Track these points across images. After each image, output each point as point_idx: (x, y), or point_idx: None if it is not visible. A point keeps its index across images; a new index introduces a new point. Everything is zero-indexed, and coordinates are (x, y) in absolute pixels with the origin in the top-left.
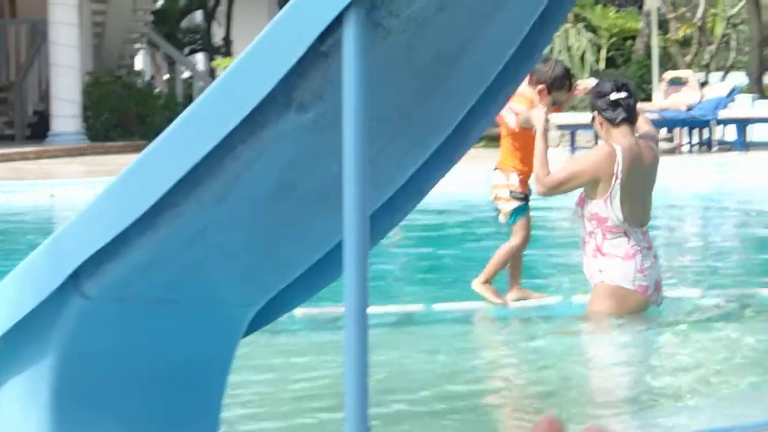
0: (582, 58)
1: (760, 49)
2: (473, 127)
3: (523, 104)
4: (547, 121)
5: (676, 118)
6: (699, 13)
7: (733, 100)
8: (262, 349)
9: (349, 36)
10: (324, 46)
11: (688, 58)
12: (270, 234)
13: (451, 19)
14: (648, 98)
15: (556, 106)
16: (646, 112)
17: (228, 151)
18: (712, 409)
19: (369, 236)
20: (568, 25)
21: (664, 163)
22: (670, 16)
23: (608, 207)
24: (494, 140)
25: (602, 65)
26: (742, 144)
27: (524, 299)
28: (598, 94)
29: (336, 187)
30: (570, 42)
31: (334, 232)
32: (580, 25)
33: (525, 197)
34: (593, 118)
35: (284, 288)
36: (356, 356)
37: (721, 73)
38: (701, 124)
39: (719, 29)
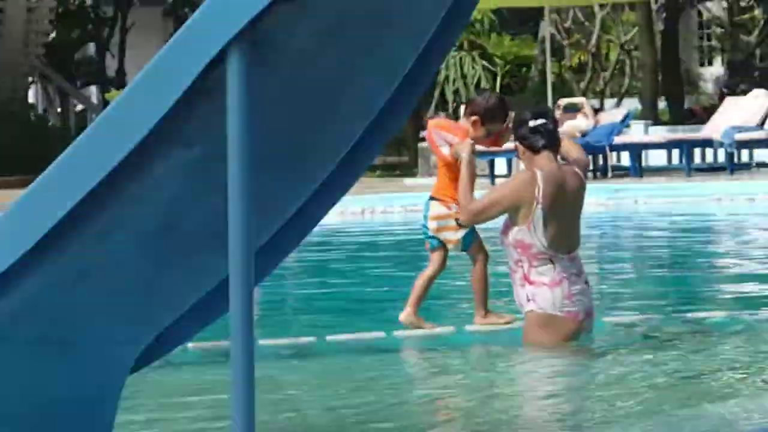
0: (477, 85)
1: (653, 75)
2: (360, 158)
3: (458, 136)
4: (473, 151)
5: None
6: (593, 40)
7: (627, 126)
8: (152, 384)
9: (232, 71)
10: (208, 81)
11: (582, 85)
12: (156, 271)
13: (333, 54)
14: None
15: (491, 138)
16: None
17: (113, 188)
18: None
19: (254, 271)
20: (463, 53)
21: None
22: (565, 43)
23: (532, 233)
24: (389, 168)
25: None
26: (637, 170)
27: (492, 323)
28: (517, 123)
29: (224, 223)
30: (465, 70)
31: (222, 267)
32: (476, 52)
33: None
34: (516, 147)
35: (173, 323)
36: (243, 390)
37: (615, 100)
38: (596, 150)
39: (614, 55)
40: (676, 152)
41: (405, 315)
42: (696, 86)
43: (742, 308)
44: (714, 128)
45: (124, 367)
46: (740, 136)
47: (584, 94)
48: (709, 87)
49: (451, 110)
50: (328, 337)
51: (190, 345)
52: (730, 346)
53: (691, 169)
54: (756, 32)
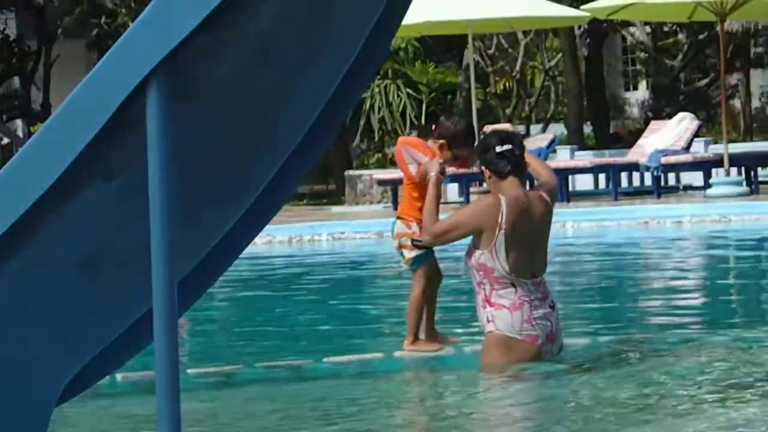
0: (403, 113)
1: (579, 101)
2: (284, 186)
3: (427, 155)
4: (441, 172)
5: None
6: (518, 66)
7: (553, 152)
8: (80, 415)
9: (152, 103)
10: (129, 113)
11: (508, 111)
12: (82, 301)
13: (257, 82)
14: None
15: (459, 162)
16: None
17: (37, 219)
18: None
19: (176, 301)
20: (388, 81)
21: None
22: (489, 69)
23: (494, 258)
24: (317, 197)
25: (423, 120)
26: (563, 194)
27: (420, 349)
28: (483, 148)
29: (147, 255)
30: (391, 98)
31: (148, 296)
32: (400, 81)
33: (427, 245)
34: (482, 171)
35: (100, 353)
36: (168, 420)
37: (541, 125)
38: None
39: (538, 81)
40: (602, 176)
41: (406, 344)
42: (621, 110)
43: (677, 328)
44: (640, 152)
45: (51, 397)
46: (666, 160)
47: (510, 121)
48: (634, 111)
49: (376, 138)
50: (257, 364)
51: (118, 376)
52: (669, 363)
53: (617, 193)
54: (680, 56)
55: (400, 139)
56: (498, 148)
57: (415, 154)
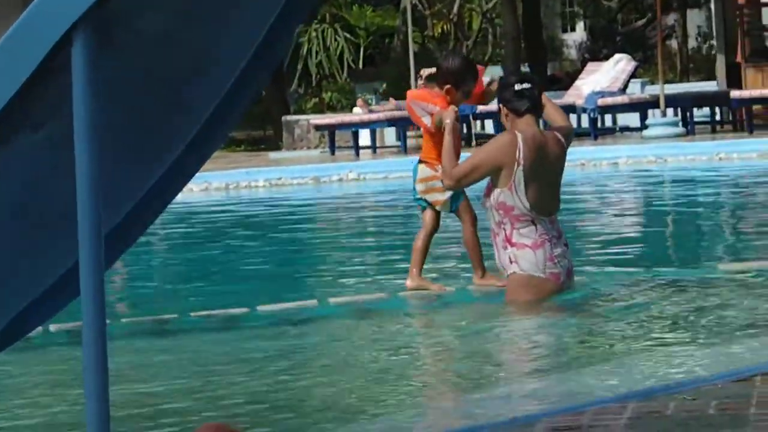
0: (341, 57)
1: (516, 43)
2: (210, 137)
3: (438, 104)
4: (456, 118)
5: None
6: (455, 9)
7: None
8: (15, 365)
9: (78, 53)
10: (55, 63)
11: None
12: (11, 253)
13: (184, 34)
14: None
15: (473, 98)
16: (404, 108)
17: None
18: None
19: (103, 253)
20: (325, 26)
21: None
22: (427, 13)
23: (514, 195)
24: (254, 143)
25: (361, 64)
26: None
27: (488, 284)
28: (502, 85)
29: (74, 207)
30: (328, 42)
31: (75, 249)
32: (338, 25)
33: None
34: (499, 109)
35: (30, 305)
36: (95, 373)
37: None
38: (460, 118)
39: (476, 24)
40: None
41: (410, 280)
42: (559, 52)
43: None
44: (577, 94)
45: None
46: (603, 101)
47: None
48: (572, 53)
49: (314, 83)
50: (192, 314)
51: (52, 326)
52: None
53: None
54: None
55: (409, 93)
56: (517, 87)
57: (426, 106)
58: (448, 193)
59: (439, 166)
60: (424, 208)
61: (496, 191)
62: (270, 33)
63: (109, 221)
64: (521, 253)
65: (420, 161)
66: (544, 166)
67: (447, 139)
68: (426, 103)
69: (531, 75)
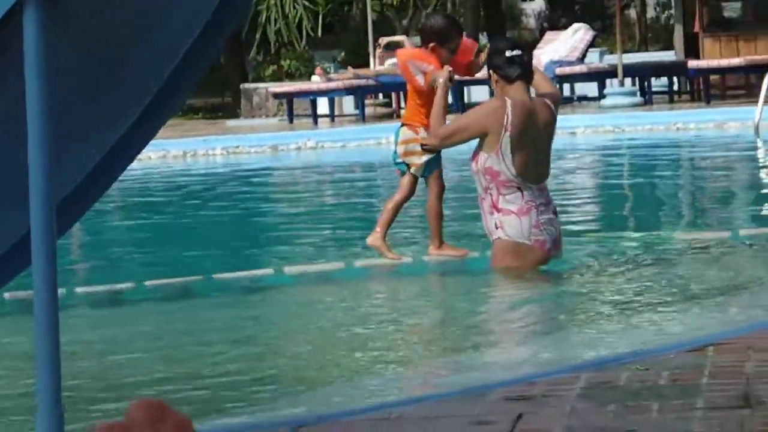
0: (299, 25)
1: (475, 11)
2: (161, 108)
3: (432, 64)
4: (450, 79)
5: (394, 82)
6: None
7: None
8: None
9: (29, 23)
10: (3, 33)
11: (405, 23)
12: None
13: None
14: (365, 64)
15: (463, 69)
16: (362, 77)
17: None
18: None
19: (55, 225)
20: None
21: (385, 128)
22: None
23: (500, 161)
24: (212, 110)
25: (320, 32)
26: (460, 105)
27: (445, 254)
28: (494, 51)
29: (25, 178)
30: (287, 10)
31: (25, 221)
32: None
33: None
34: (489, 75)
35: None
36: (47, 344)
37: None
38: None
39: None
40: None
41: (372, 238)
42: (518, 21)
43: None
44: (535, 62)
45: None
46: (561, 70)
47: (406, 32)
48: (530, 22)
49: (272, 51)
50: (147, 282)
51: (6, 295)
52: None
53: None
54: None
55: (404, 52)
56: (508, 53)
57: (420, 65)
58: (425, 158)
59: (421, 129)
60: (403, 173)
61: (483, 156)
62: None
63: (58, 194)
64: (507, 220)
65: (403, 124)
66: (534, 133)
67: (438, 97)
68: (421, 62)
69: (522, 41)
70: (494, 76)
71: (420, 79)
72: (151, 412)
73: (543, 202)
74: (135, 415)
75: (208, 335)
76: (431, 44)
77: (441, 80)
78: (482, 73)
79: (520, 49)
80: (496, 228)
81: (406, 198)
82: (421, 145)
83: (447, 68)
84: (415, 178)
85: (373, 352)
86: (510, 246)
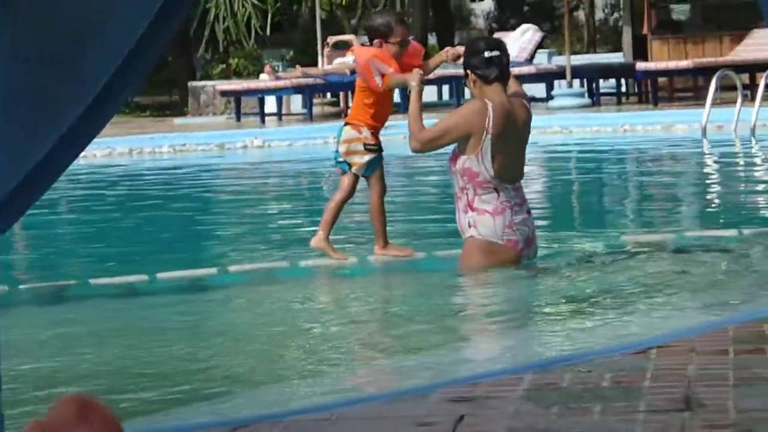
0: (248, 23)
1: (424, 11)
2: (108, 102)
3: (393, 67)
4: (422, 82)
5: (340, 81)
6: None
7: None
8: None
9: None
10: None
11: (353, 22)
12: None
13: None
14: (313, 63)
15: (415, 62)
16: (311, 76)
17: None
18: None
19: None
20: None
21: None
22: None
23: (480, 162)
24: (160, 108)
25: (269, 30)
26: (405, 106)
27: (390, 254)
28: (471, 52)
29: None
30: (235, 8)
31: None
32: None
33: (379, 148)
34: (466, 76)
35: None
36: None
37: None
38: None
39: None
40: (446, 88)
41: (316, 239)
42: (467, 21)
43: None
44: None
45: None
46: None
47: (355, 32)
48: (479, 22)
49: (221, 49)
50: (92, 281)
51: None
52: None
53: (461, 104)
54: None
55: (365, 52)
56: (486, 54)
57: (381, 66)
58: (367, 157)
59: (365, 129)
60: (344, 172)
61: (463, 157)
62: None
63: (4, 185)
64: (481, 219)
65: (346, 123)
66: (513, 134)
67: (413, 101)
68: (383, 63)
69: (500, 41)
70: (472, 77)
71: (378, 80)
72: (78, 408)
73: (518, 202)
74: (62, 410)
75: (148, 334)
76: (377, 41)
77: (413, 83)
78: (433, 74)
79: (499, 49)
80: (470, 226)
81: (347, 197)
82: (365, 145)
83: (417, 71)
84: (356, 178)
85: (315, 352)
86: (482, 245)
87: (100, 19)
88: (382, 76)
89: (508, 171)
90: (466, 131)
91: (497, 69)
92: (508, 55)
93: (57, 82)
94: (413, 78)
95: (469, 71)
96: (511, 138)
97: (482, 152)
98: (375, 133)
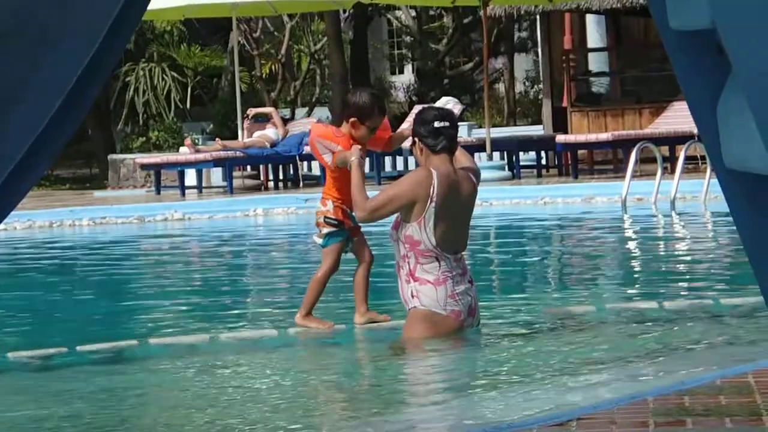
0: (168, 97)
1: (343, 84)
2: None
3: (340, 143)
4: (361, 156)
5: (261, 154)
6: (283, 50)
7: None
8: None
9: None
10: None
11: (273, 94)
12: None
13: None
14: (233, 136)
15: (379, 142)
16: (231, 149)
17: None
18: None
19: None
20: (152, 64)
21: (253, 200)
22: (255, 53)
23: (422, 230)
24: (80, 181)
25: (188, 104)
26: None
27: (371, 321)
28: (421, 120)
29: None
30: (155, 81)
31: None
32: (165, 64)
33: (338, 223)
34: (413, 143)
35: None
36: None
37: (306, 109)
38: (286, 159)
39: (304, 65)
40: (367, 160)
41: (298, 317)
42: (387, 94)
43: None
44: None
45: None
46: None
47: (275, 104)
48: (400, 95)
49: (141, 122)
50: (10, 354)
51: None
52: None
53: (381, 177)
54: (445, 40)
55: (313, 130)
56: (436, 124)
57: (328, 144)
58: (326, 230)
59: (329, 202)
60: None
61: (405, 224)
62: (97, 53)
63: None
64: (423, 289)
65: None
66: (456, 205)
67: (355, 174)
68: (329, 141)
69: (450, 111)
70: (419, 144)
71: (328, 158)
72: None
73: (460, 272)
74: None
75: (68, 406)
76: (352, 119)
77: (353, 158)
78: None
79: (449, 120)
80: (412, 297)
81: (332, 268)
82: (325, 218)
83: (356, 147)
84: (339, 251)
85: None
86: (425, 315)
87: (24, 82)
88: (333, 153)
89: (449, 241)
90: (411, 199)
91: (445, 140)
92: (457, 127)
93: None
94: (352, 154)
95: (416, 139)
96: (454, 208)
97: (425, 220)
98: (340, 207)
